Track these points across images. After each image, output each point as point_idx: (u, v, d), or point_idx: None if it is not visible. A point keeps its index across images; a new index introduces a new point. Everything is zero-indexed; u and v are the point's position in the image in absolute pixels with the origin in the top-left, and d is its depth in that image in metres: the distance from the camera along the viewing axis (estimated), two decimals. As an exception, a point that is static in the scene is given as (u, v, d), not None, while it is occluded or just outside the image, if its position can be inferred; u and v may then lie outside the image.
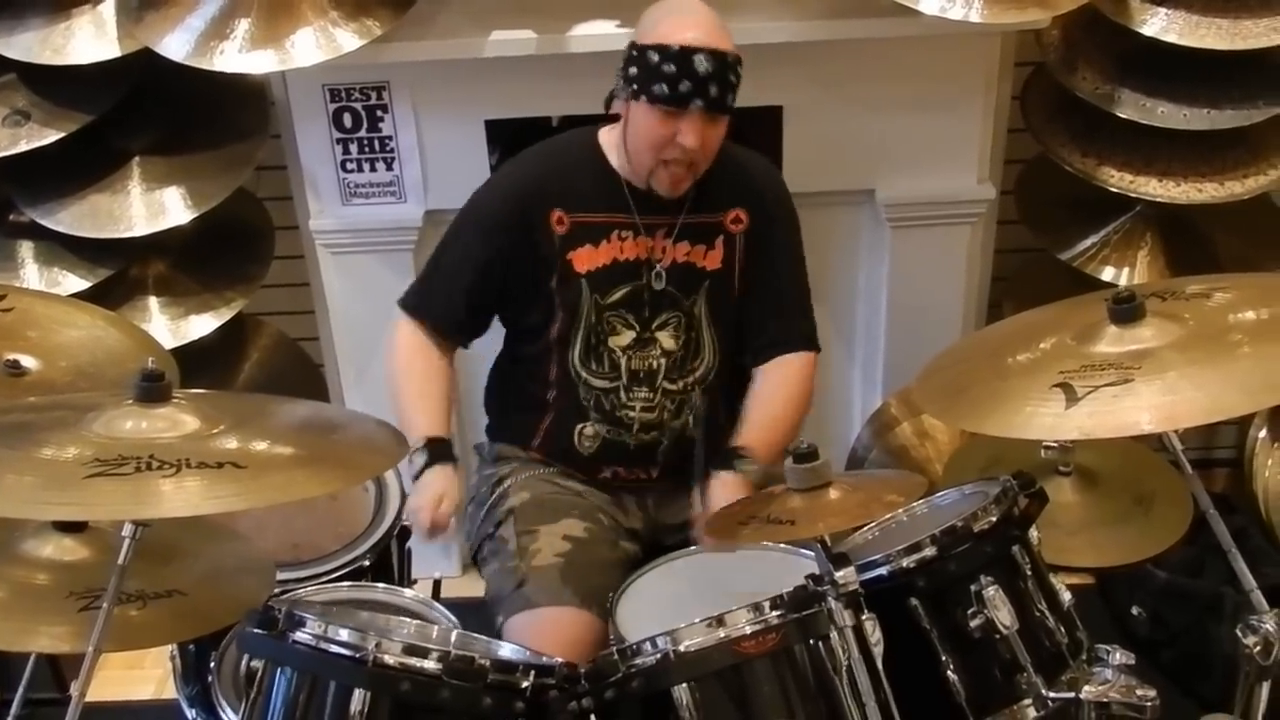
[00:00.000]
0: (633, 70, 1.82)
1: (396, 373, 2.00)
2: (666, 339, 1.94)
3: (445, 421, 1.96)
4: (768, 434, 1.92)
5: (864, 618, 1.41)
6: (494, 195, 2.00)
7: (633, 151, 1.88)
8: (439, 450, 1.89)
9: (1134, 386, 1.35)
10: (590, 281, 1.93)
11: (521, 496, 1.98)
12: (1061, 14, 2.30)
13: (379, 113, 2.48)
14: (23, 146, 2.38)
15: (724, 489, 1.83)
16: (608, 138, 1.96)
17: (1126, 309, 1.48)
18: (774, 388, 1.99)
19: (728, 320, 1.97)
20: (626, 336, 1.94)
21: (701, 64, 1.77)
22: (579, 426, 1.97)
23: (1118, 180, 2.46)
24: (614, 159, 1.94)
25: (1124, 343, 1.46)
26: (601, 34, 2.32)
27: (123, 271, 2.57)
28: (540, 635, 1.75)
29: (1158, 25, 2.29)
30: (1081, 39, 2.45)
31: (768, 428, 1.93)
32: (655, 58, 1.78)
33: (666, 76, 1.77)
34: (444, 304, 2.00)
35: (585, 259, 1.93)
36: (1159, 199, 2.45)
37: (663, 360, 1.94)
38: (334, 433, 1.63)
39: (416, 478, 1.87)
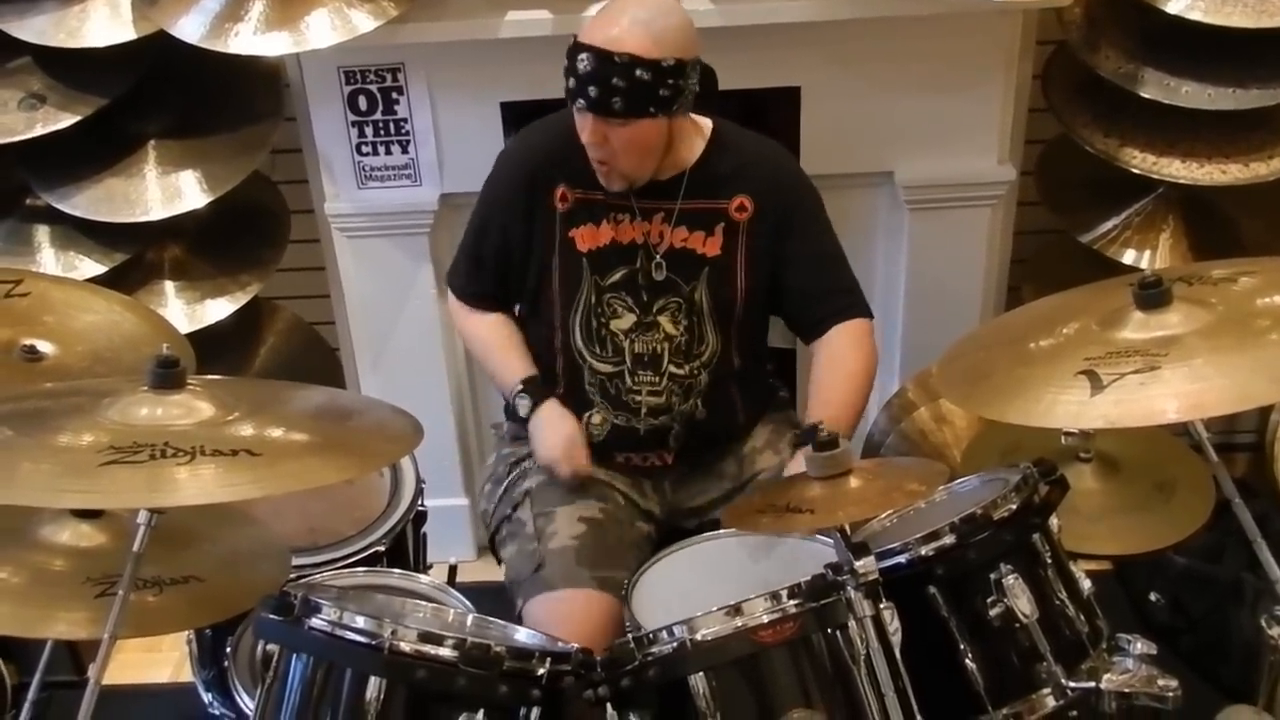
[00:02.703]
0: None
1: (471, 343, 2.12)
2: (667, 324, 1.92)
3: (530, 359, 2.01)
4: (833, 407, 1.87)
5: (882, 606, 1.40)
6: (504, 168, 2.01)
7: None
8: (534, 389, 1.95)
9: (1160, 374, 1.34)
10: (590, 261, 1.91)
11: (538, 478, 1.98)
12: (1084, -9, 2.27)
13: (394, 95, 2.47)
14: (38, 130, 2.38)
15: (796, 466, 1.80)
16: None
17: (1153, 294, 1.46)
18: (829, 361, 1.95)
19: (731, 307, 1.94)
20: (628, 320, 1.92)
21: (582, 63, 1.73)
22: (586, 415, 1.95)
23: (1140, 161, 2.43)
24: None
25: (1150, 329, 1.44)
26: (617, 15, 2.30)
27: (139, 256, 2.57)
28: (559, 617, 1.75)
29: (1182, 3, 2.25)
30: (1104, 17, 2.41)
31: (831, 401, 1.89)
32: (566, 51, 1.77)
33: (565, 72, 1.77)
34: (475, 281, 2.04)
35: (587, 238, 1.91)
36: (1182, 180, 2.41)
37: (665, 345, 1.92)
38: (349, 419, 1.63)
39: (525, 421, 1.95)
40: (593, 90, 1.73)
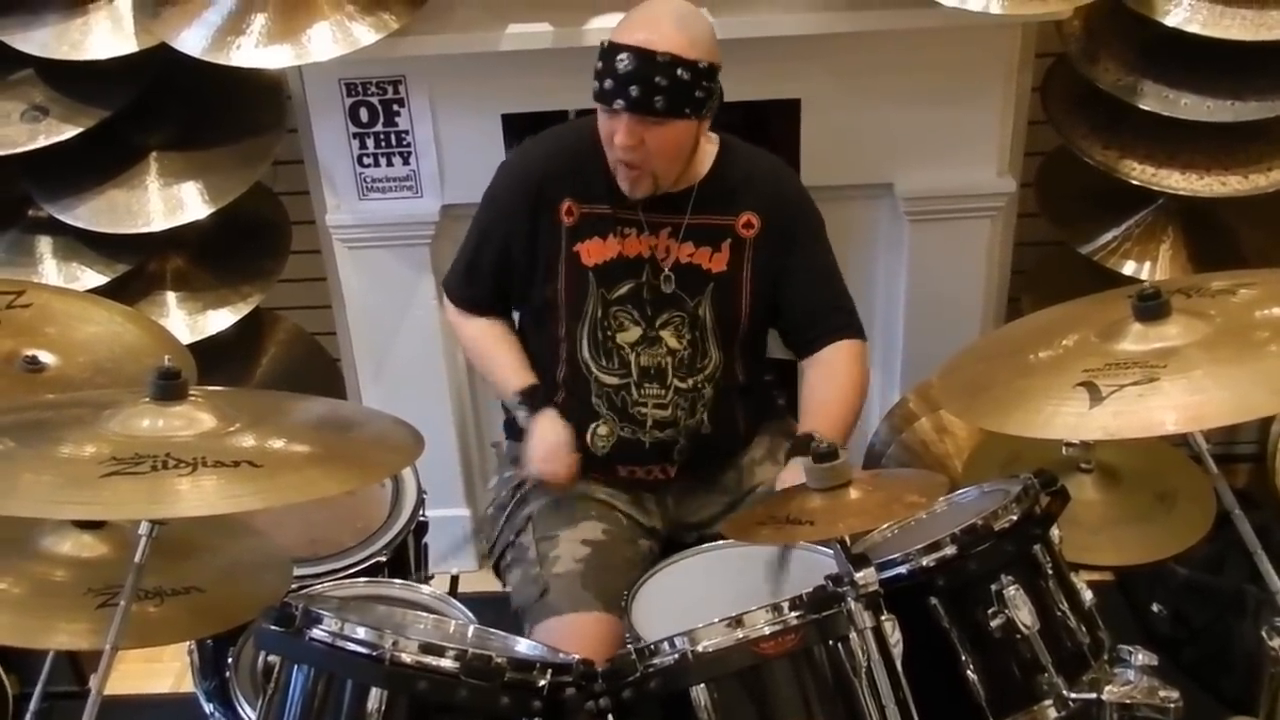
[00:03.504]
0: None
1: (468, 347, 2.12)
2: (670, 338, 1.93)
3: (527, 367, 2.01)
4: (828, 420, 1.88)
5: (883, 618, 1.40)
6: (507, 179, 2.00)
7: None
8: (532, 399, 1.95)
9: (1159, 386, 1.34)
10: (597, 275, 1.92)
11: (539, 502, 1.98)
12: (1083, 4, 2.27)
13: (395, 107, 2.48)
14: (41, 142, 2.39)
15: (792, 474, 1.79)
16: None
17: (1152, 306, 1.46)
18: (823, 376, 1.96)
19: (735, 323, 1.95)
20: (634, 333, 1.93)
21: (623, 63, 1.73)
22: (592, 426, 1.95)
23: (1139, 173, 2.43)
24: None
25: (1149, 340, 1.45)
26: (618, 27, 2.31)
27: (140, 267, 2.58)
28: (566, 642, 1.74)
29: (1181, 15, 2.26)
30: (1103, 30, 2.42)
31: (826, 414, 1.90)
32: (599, 54, 1.78)
33: (599, 74, 1.77)
34: (473, 287, 2.04)
35: (594, 252, 1.92)
36: (1181, 192, 2.42)
37: (669, 359, 1.93)
38: (350, 430, 1.63)
39: (522, 430, 1.96)
40: (635, 90, 1.73)
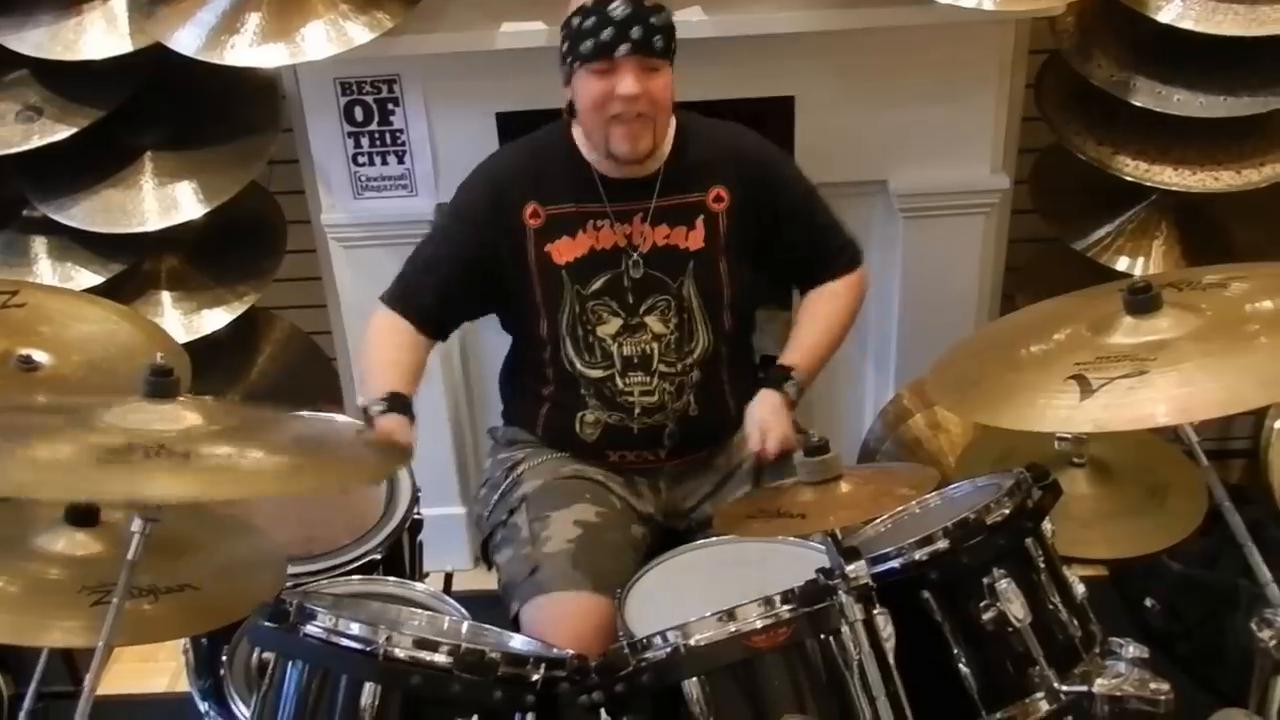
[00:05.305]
0: (565, 46, 1.84)
1: (365, 352, 1.98)
2: (656, 323, 1.93)
3: (410, 387, 1.87)
4: (806, 352, 2.00)
5: (875, 612, 1.40)
6: (471, 191, 2.00)
7: (586, 126, 1.88)
8: (397, 401, 1.81)
9: (1149, 378, 1.35)
10: (570, 272, 1.93)
11: (534, 483, 1.98)
12: (1076, 0, 2.28)
13: (390, 106, 2.48)
14: (35, 142, 2.39)
15: (763, 405, 1.93)
16: (578, 129, 1.95)
17: (1142, 300, 1.47)
18: (810, 310, 2.06)
19: (719, 299, 1.96)
20: (613, 324, 1.93)
21: (618, 10, 1.76)
22: (580, 414, 1.97)
23: (1133, 169, 2.44)
24: (585, 149, 1.93)
25: (1140, 334, 1.45)
26: (612, 25, 2.31)
27: (135, 266, 2.58)
28: (555, 620, 1.76)
29: (1174, 11, 2.26)
30: (1096, 26, 2.43)
31: (809, 347, 2.01)
32: (578, 21, 1.80)
33: (590, 33, 1.78)
34: (416, 295, 1.97)
35: (564, 251, 1.93)
36: (1174, 188, 2.42)
37: (655, 344, 1.94)
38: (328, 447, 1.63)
39: (369, 419, 1.79)
40: (636, 31, 1.76)
